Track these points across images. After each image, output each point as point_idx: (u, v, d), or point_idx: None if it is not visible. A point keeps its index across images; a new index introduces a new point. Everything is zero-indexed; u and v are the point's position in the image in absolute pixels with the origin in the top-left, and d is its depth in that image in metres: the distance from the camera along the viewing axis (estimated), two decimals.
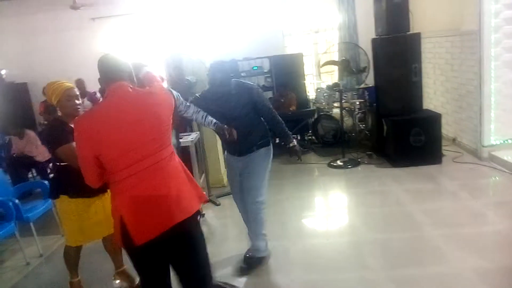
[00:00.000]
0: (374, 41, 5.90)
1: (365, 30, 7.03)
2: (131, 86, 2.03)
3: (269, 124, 3.30)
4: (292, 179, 5.69)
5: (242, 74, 7.69)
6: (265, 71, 7.67)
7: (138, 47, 8.19)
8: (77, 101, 2.85)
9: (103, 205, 2.95)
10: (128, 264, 3.22)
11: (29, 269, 3.79)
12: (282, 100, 7.08)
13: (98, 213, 2.96)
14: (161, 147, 2.03)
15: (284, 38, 8.19)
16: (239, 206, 3.56)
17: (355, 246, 3.61)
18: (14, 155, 6.17)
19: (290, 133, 3.35)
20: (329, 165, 5.99)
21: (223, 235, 4.21)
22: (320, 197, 5.08)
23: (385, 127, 5.73)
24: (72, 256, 3.14)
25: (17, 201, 3.92)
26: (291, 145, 3.29)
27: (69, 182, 2.77)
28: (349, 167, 5.81)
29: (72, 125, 2.65)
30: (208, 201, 2.56)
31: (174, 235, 2.01)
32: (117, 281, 3.33)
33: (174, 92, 2.57)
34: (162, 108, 2.07)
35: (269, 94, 7.78)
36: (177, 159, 2.14)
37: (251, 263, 3.41)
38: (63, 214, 3.00)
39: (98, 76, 2.07)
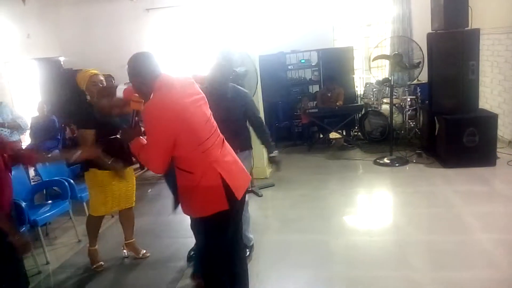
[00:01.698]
0: (429, 36, 5.67)
1: (420, 24, 6.76)
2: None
3: (256, 131, 3.43)
4: (336, 174, 5.62)
5: (289, 67, 7.66)
6: (313, 64, 7.58)
7: (188, 38, 8.35)
8: (101, 86, 3.21)
9: (127, 176, 3.34)
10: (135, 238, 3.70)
11: (80, 246, 4.00)
12: (329, 95, 6.98)
13: (121, 186, 3.35)
14: (215, 124, 2.34)
15: (334, 31, 8.03)
16: None
17: (399, 246, 3.51)
18: (68, 138, 6.50)
19: (273, 143, 3.50)
20: (375, 162, 5.85)
21: (265, 225, 4.23)
22: (364, 194, 4.98)
23: (437, 126, 5.51)
24: (93, 226, 3.49)
25: (71, 181, 4.15)
26: (271, 155, 3.40)
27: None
28: (397, 165, 5.64)
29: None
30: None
31: (245, 195, 2.40)
32: (125, 251, 3.70)
33: None
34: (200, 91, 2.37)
35: (315, 88, 7.72)
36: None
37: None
38: (91, 186, 3.35)
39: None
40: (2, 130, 4.17)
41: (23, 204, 3.45)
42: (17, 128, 4.31)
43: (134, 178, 3.60)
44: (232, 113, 3.20)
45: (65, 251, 3.97)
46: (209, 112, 2.31)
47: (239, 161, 2.43)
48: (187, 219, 2.77)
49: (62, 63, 8.81)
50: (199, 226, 2.37)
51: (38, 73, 8.48)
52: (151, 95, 2.18)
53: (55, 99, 7.56)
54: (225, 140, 2.38)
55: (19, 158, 2.61)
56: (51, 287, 3.37)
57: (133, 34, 8.52)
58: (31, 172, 5.04)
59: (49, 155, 2.99)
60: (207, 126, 2.24)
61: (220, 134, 2.36)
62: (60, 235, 4.36)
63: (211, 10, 8.04)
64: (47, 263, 3.71)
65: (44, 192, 4.35)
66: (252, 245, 3.56)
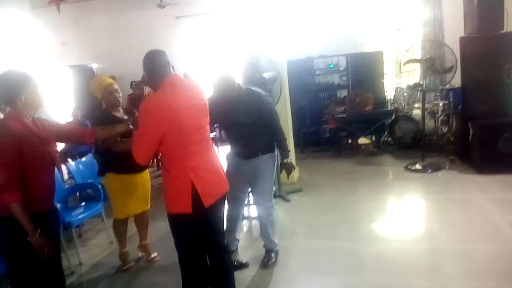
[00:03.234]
0: (462, 40, 5.53)
1: (452, 28, 6.61)
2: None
3: (271, 134, 3.37)
4: (366, 180, 5.53)
5: (317, 72, 7.63)
6: (341, 69, 7.52)
7: (218, 45, 8.44)
8: (116, 94, 3.33)
9: (142, 180, 3.48)
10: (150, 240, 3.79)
11: (111, 247, 4.06)
12: (358, 100, 6.90)
13: (138, 189, 3.45)
14: (209, 131, 2.49)
15: (363, 36, 7.96)
16: (230, 207, 3.53)
17: (433, 254, 3.41)
18: (101, 142, 6.64)
19: (289, 150, 3.47)
20: (406, 169, 5.72)
21: (292, 231, 4.19)
22: (395, 200, 4.88)
23: (471, 131, 5.35)
24: (120, 228, 3.55)
25: None
26: (285, 161, 3.39)
27: (114, 161, 3.22)
28: (429, 172, 5.50)
29: (116, 114, 3.32)
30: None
31: (220, 203, 2.51)
32: (140, 253, 3.79)
33: None
34: (204, 98, 2.49)
35: (343, 93, 7.65)
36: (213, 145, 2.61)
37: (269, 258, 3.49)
38: (110, 189, 3.43)
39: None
40: None
41: (58, 205, 3.55)
42: None
43: (150, 182, 3.64)
44: (246, 116, 3.19)
45: (97, 252, 4.06)
46: (204, 121, 2.42)
47: (221, 171, 2.56)
48: None
49: (95, 70, 9.07)
50: (168, 220, 2.48)
51: (72, 79, 8.76)
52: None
53: (87, 105, 7.78)
54: (212, 150, 2.51)
55: (76, 137, 2.78)
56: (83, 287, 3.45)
57: (164, 42, 8.61)
58: (65, 175, 5.19)
59: (104, 131, 3.02)
60: (197, 134, 2.34)
61: (210, 142, 2.49)
62: (93, 237, 4.46)
63: (240, 17, 8.12)
64: (80, 263, 3.80)
65: (78, 194, 4.47)
66: (277, 250, 3.53)
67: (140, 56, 2.59)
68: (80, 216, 3.95)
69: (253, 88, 3.37)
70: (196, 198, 2.30)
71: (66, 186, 4.54)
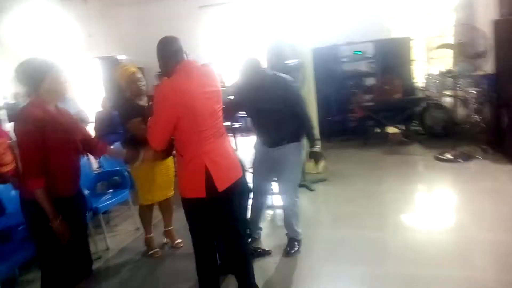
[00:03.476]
0: (496, 23, 5.29)
1: (485, 11, 6.31)
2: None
3: (299, 122, 3.28)
4: (393, 170, 5.40)
5: (343, 60, 7.47)
6: (368, 56, 7.33)
7: (242, 34, 8.39)
8: (139, 83, 3.37)
9: (166, 167, 3.50)
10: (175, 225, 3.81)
11: (138, 233, 4.14)
12: (386, 87, 6.71)
13: (163, 175, 3.48)
14: (222, 117, 2.48)
15: (390, 21, 7.73)
16: (255, 196, 3.52)
17: (462, 245, 3.30)
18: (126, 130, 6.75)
19: (318, 138, 3.40)
20: (436, 158, 5.55)
21: (317, 220, 4.15)
22: (424, 191, 4.74)
23: (504, 119, 5.12)
24: (145, 214, 3.63)
25: None
26: (314, 149, 3.32)
27: (140, 148, 3.16)
28: (460, 162, 5.32)
29: (140, 102, 3.35)
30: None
31: (235, 188, 2.48)
32: (165, 239, 3.84)
33: None
34: (219, 84, 2.49)
35: (371, 80, 7.47)
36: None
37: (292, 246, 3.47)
38: (136, 176, 3.50)
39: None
40: None
41: (86, 192, 3.62)
42: (80, 121, 4.55)
43: (173, 168, 3.62)
44: (272, 103, 3.15)
45: (124, 238, 4.14)
46: (218, 107, 2.42)
47: (234, 157, 2.57)
48: None
49: (123, 61, 9.18)
50: (182, 204, 2.49)
51: (100, 70, 8.92)
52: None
53: (114, 95, 7.91)
54: (226, 136, 2.52)
55: (89, 145, 2.71)
56: (109, 271, 3.52)
57: (187, 31, 8.62)
58: (94, 163, 5.29)
59: (115, 150, 3.12)
60: (210, 119, 2.35)
61: (223, 129, 2.48)
62: (120, 223, 4.55)
63: (264, 4, 8.03)
64: (107, 248, 3.89)
65: (106, 182, 4.56)
66: (300, 239, 3.50)
67: None
68: (107, 202, 4.04)
69: (280, 74, 3.30)
70: (210, 183, 2.32)
71: (95, 173, 4.63)
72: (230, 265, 2.72)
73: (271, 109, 3.18)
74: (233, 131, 7.68)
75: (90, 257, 2.75)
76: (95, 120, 6.51)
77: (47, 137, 2.28)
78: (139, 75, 3.39)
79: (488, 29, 5.48)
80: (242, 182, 2.63)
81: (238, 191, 2.56)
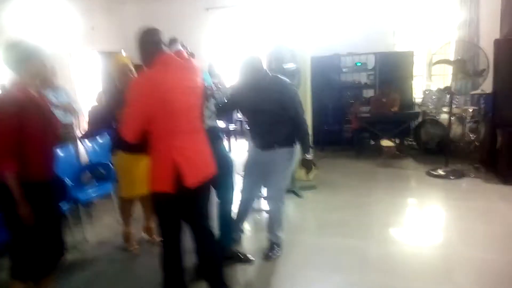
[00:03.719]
0: (497, 42, 5.26)
1: (489, 30, 6.31)
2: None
3: (294, 128, 3.20)
4: (384, 182, 5.35)
5: (344, 70, 7.45)
6: (369, 68, 7.31)
7: (246, 37, 8.38)
8: (131, 75, 3.33)
9: (149, 161, 3.26)
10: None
11: (119, 228, 4.03)
12: (384, 100, 6.68)
13: (145, 169, 3.25)
14: (201, 113, 2.45)
15: (394, 36, 7.72)
16: (243, 198, 3.45)
17: (446, 261, 3.23)
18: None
19: (311, 146, 3.33)
20: (428, 174, 5.50)
21: (301, 226, 4.09)
22: (413, 205, 4.68)
23: (499, 139, 5.08)
24: (125, 208, 3.57)
25: None
26: (306, 157, 3.23)
27: (122, 140, 3.06)
28: (452, 178, 5.27)
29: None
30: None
31: (205, 186, 2.42)
32: (144, 235, 3.79)
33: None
34: (201, 79, 2.44)
35: (370, 92, 7.44)
36: (204, 128, 2.52)
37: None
38: (119, 168, 3.45)
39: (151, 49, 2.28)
40: (57, 111, 4.37)
41: (69, 182, 3.58)
42: (71, 110, 4.51)
43: None
44: (265, 103, 3.09)
45: (104, 231, 4.08)
46: (195, 103, 2.38)
47: (209, 155, 2.49)
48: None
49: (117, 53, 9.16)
50: (151, 198, 2.45)
51: (100, 65, 8.90)
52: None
53: (107, 87, 7.87)
54: (202, 133, 2.47)
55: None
56: (84, 263, 3.46)
57: (193, 32, 8.71)
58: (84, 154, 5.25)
59: None
60: (186, 115, 2.30)
61: (200, 125, 2.44)
62: (103, 216, 4.48)
63: (269, 10, 8.03)
64: (86, 240, 3.82)
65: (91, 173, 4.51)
66: (281, 244, 3.44)
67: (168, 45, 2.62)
68: (89, 194, 3.97)
69: (280, 76, 3.25)
70: (178, 178, 2.25)
71: (80, 164, 4.58)
72: (200, 268, 2.65)
73: (265, 111, 3.13)
74: (228, 133, 7.65)
75: (63, 247, 2.69)
76: (89, 115, 6.46)
77: (25, 119, 2.24)
78: (131, 67, 3.35)
79: (489, 48, 5.45)
80: (214, 181, 2.54)
81: (208, 189, 2.50)
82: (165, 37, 2.82)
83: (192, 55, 2.95)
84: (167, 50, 2.33)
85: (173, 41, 2.86)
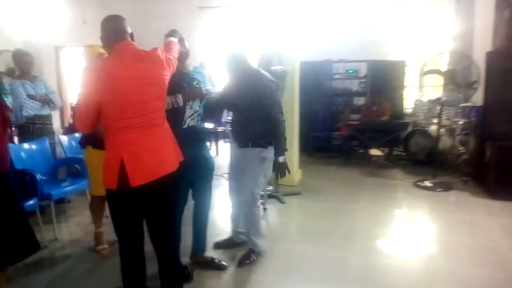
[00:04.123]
0: (489, 54, 5.20)
1: (482, 42, 6.24)
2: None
3: (269, 126, 3.06)
4: (371, 191, 5.24)
5: (335, 77, 7.37)
6: (361, 75, 7.23)
7: (238, 37, 8.28)
8: None
9: None
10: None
11: (92, 227, 3.87)
12: (374, 108, 6.61)
13: None
14: (161, 108, 2.28)
15: (387, 44, 7.65)
16: (231, 197, 3.41)
17: (428, 275, 3.12)
18: None
19: (285, 148, 3.15)
20: (416, 185, 5.41)
21: (282, 233, 3.95)
22: (398, 215, 4.56)
23: (488, 153, 5.00)
24: (96, 206, 3.41)
25: None
26: (279, 159, 3.07)
27: (95, 134, 2.94)
28: (439, 191, 5.17)
29: None
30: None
31: (158, 185, 2.21)
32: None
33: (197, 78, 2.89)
34: (165, 72, 2.27)
35: (361, 100, 7.36)
36: (167, 124, 2.36)
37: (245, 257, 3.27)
38: (89, 163, 3.28)
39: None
40: (33, 102, 4.23)
41: (38, 176, 3.42)
42: (48, 102, 4.35)
43: None
44: (239, 97, 3.01)
45: (76, 230, 3.93)
46: (151, 96, 2.19)
47: (165, 152, 2.29)
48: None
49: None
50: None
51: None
52: None
53: None
54: (159, 128, 2.28)
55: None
56: (51, 263, 3.31)
57: (186, 31, 8.47)
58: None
59: None
60: (138, 107, 2.14)
61: (157, 120, 2.25)
62: (77, 214, 4.33)
63: (262, 11, 7.93)
64: (55, 239, 3.66)
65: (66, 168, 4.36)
66: (258, 251, 3.30)
67: (161, 42, 2.55)
68: (62, 190, 3.81)
69: (263, 71, 3.14)
70: (123, 175, 2.12)
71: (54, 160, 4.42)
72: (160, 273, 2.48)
73: (239, 105, 3.05)
74: (216, 135, 7.53)
75: (22, 242, 2.56)
76: (73, 110, 6.33)
77: None
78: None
79: (481, 60, 5.39)
80: (170, 180, 2.31)
81: (161, 189, 2.28)
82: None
83: (186, 52, 2.84)
84: (128, 39, 2.21)
85: (172, 33, 2.74)
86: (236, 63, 3.06)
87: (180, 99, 2.71)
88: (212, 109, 3.11)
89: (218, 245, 3.53)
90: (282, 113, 3.10)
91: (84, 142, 3.23)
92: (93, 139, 3.08)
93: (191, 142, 2.78)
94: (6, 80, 4.15)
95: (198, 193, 3.07)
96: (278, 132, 3.05)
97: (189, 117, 2.84)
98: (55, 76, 8.85)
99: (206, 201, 3.13)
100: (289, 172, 3.17)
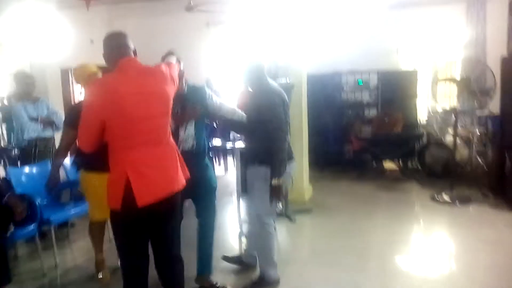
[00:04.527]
0: (504, 61, 4.99)
1: (496, 48, 6.04)
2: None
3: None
4: (386, 207, 5.02)
5: (345, 88, 7.21)
6: (371, 86, 7.05)
7: (245, 54, 8.19)
8: None
9: None
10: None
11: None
12: (386, 120, 6.41)
13: None
14: (166, 124, 2.21)
15: (398, 54, 7.46)
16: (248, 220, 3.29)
17: None
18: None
19: (283, 168, 2.82)
20: (433, 199, 5.17)
21: (292, 255, 3.74)
22: (415, 233, 4.34)
23: (509, 163, 4.75)
24: (95, 232, 3.27)
25: None
26: (272, 182, 2.79)
27: (87, 157, 2.81)
28: (457, 205, 4.93)
29: None
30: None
31: (166, 205, 2.14)
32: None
33: (208, 91, 2.86)
34: (169, 88, 2.21)
35: (372, 111, 7.16)
36: (172, 141, 2.29)
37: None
38: (84, 187, 3.15)
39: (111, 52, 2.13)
40: (35, 124, 4.16)
41: (37, 201, 3.32)
42: (50, 124, 4.27)
43: None
44: (247, 112, 2.91)
45: (78, 255, 3.81)
46: (156, 112, 2.13)
47: (172, 170, 2.21)
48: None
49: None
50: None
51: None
52: None
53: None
54: (166, 145, 2.20)
55: None
56: None
57: (193, 47, 8.53)
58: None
59: None
60: (144, 124, 2.06)
61: (164, 137, 2.19)
62: (80, 238, 4.18)
63: (271, 27, 7.84)
64: (55, 266, 3.53)
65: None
66: (268, 280, 3.09)
67: None
68: (63, 214, 3.69)
69: (272, 82, 3.00)
70: (129, 195, 2.01)
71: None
72: None
73: (249, 121, 2.92)
74: (225, 152, 7.39)
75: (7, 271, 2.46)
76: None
77: None
78: (100, 76, 3.11)
79: (496, 67, 5.18)
80: (177, 199, 2.26)
81: (169, 209, 2.22)
82: (163, 50, 2.73)
83: (181, 72, 2.73)
84: (132, 55, 2.15)
85: (169, 54, 2.69)
86: (256, 76, 2.94)
87: (172, 125, 2.58)
88: (220, 127, 3.03)
89: (226, 259, 3.42)
90: (284, 129, 2.86)
91: (79, 166, 3.11)
92: (86, 162, 2.97)
93: (188, 166, 2.65)
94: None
95: (200, 213, 2.98)
96: (275, 150, 2.79)
97: (183, 141, 2.73)
98: (62, 97, 8.87)
99: (209, 220, 3.00)
100: (283, 199, 2.98)
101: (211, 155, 3.26)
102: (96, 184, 2.97)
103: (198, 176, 2.77)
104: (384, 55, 7.24)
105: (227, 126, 3.35)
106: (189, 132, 2.76)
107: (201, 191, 2.86)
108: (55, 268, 3.50)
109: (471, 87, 4.97)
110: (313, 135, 5.66)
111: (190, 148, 2.76)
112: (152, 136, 2.11)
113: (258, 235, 3.03)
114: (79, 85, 3.23)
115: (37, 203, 3.28)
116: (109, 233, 3.57)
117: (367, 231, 4.26)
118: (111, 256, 3.42)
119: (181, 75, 2.73)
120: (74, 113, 2.89)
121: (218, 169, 7.24)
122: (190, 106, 2.75)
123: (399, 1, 6.69)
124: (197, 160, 2.80)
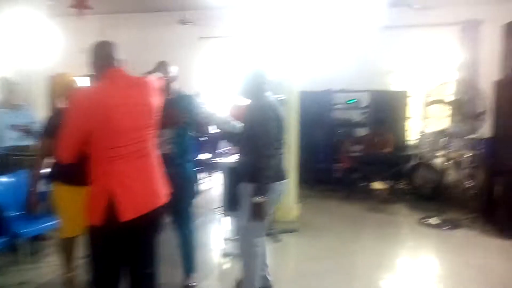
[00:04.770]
0: (496, 84, 4.96)
1: (489, 71, 6.01)
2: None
3: None
4: (373, 229, 4.91)
5: (336, 107, 7.15)
6: (362, 106, 7.00)
7: (238, 68, 8.15)
8: None
9: None
10: None
11: None
12: (376, 140, 6.34)
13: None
14: (151, 135, 2.17)
15: (389, 74, 7.44)
16: None
17: None
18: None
19: (265, 187, 2.65)
20: (420, 222, 5.07)
21: (275, 277, 3.56)
22: (401, 256, 4.23)
23: (499, 188, 4.67)
24: (65, 248, 3.11)
25: None
26: (253, 199, 2.63)
27: (62, 170, 2.78)
28: (445, 229, 4.83)
29: None
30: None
31: (148, 219, 2.09)
32: None
33: (196, 100, 2.93)
34: (155, 99, 2.19)
35: (362, 131, 7.10)
36: (156, 153, 2.23)
37: None
38: (57, 200, 3.00)
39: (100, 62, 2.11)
40: (13, 132, 4.02)
41: (9, 212, 3.16)
42: (27, 132, 4.12)
43: None
44: (244, 125, 2.85)
45: (49, 271, 3.59)
46: (143, 124, 2.10)
47: (157, 184, 2.16)
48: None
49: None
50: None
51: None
52: None
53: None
54: (151, 158, 2.15)
55: None
56: None
57: (185, 60, 8.46)
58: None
59: None
60: (129, 136, 2.03)
61: (149, 150, 2.14)
62: (52, 253, 3.93)
63: (264, 42, 7.81)
64: (21, 283, 3.33)
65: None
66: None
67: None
68: (34, 227, 3.51)
69: (270, 96, 2.89)
70: (111, 209, 1.95)
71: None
72: None
73: (244, 135, 2.85)
74: (211, 167, 7.25)
75: None
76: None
77: None
78: (78, 85, 3.00)
79: (489, 90, 5.15)
80: (160, 214, 2.20)
81: (151, 223, 2.17)
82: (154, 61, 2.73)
83: (173, 77, 2.92)
84: (119, 66, 2.12)
85: (160, 65, 2.78)
86: (256, 86, 2.84)
87: None
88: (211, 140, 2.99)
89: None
90: (273, 145, 2.70)
91: (53, 178, 2.96)
92: (63, 174, 2.83)
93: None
94: None
95: (175, 218, 3.02)
96: (259, 166, 2.64)
97: (161, 144, 2.64)
98: (49, 105, 8.73)
99: (185, 224, 3.05)
100: (264, 218, 2.75)
101: (196, 168, 3.19)
102: (69, 197, 2.84)
103: (172, 181, 2.67)
104: (377, 75, 7.21)
105: (220, 136, 3.31)
106: (169, 136, 2.78)
107: (176, 194, 2.77)
108: (21, 285, 3.31)
109: (463, 109, 4.92)
110: (303, 152, 5.55)
111: (166, 152, 2.73)
112: (137, 148, 2.07)
113: (243, 254, 2.90)
114: (55, 95, 3.09)
115: (6, 216, 3.11)
116: (80, 250, 3.40)
117: (355, 252, 4.15)
118: (82, 274, 3.27)
119: (173, 78, 2.86)
120: (52, 123, 2.82)
121: (205, 183, 7.09)
122: (175, 112, 2.77)
123: (393, 22, 6.70)
124: (172, 165, 2.70)
